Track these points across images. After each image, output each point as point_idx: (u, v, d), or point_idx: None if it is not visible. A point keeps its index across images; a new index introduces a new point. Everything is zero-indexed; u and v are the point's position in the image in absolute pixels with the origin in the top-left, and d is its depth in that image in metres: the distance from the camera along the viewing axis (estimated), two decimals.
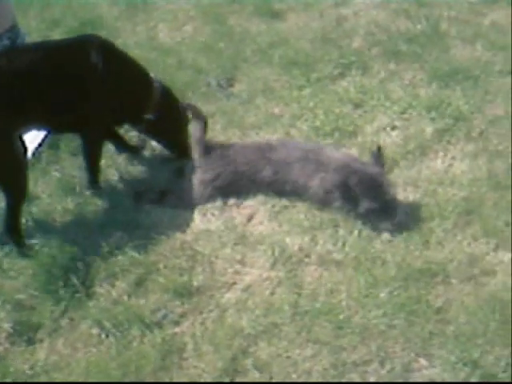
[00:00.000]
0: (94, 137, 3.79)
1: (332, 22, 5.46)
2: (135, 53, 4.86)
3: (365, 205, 3.52)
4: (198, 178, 3.79)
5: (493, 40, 5.03)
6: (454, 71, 4.69)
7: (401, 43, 5.05)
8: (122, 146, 4.10)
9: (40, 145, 4.08)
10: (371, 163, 3.68)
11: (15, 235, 3.53)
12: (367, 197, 3.52)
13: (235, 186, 3.76)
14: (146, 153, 4.17)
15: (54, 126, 3.72)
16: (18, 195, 3.49)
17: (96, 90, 3.55)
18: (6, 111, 3.27)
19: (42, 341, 3.14)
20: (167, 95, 3.92)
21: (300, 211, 3.66)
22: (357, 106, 4.45)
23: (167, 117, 3.91)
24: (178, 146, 4.04)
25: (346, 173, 3.57)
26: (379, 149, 3.71)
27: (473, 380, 2.87)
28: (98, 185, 3.88)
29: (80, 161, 3.91)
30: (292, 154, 3.74)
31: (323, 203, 3.65)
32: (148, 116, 3.82)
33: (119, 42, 5.05)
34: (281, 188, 3.72)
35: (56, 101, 3.47)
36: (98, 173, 3.87)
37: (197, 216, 3.71)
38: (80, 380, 2.95)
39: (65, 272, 3.34)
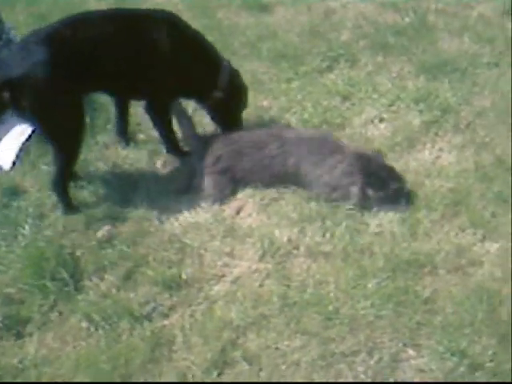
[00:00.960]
0: (161, 107, 3.93)
1: (320, 15, 5.48)
2: None
3: (392, 186, 3.61)
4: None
5: (480, 32, 5.06)
6: (441, 63, 4.71)
7: (388, 36, 5.07)
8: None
9: (28, 139, 4.07)
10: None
11: (64, 196, 3.69)
12: (390, 180, 3.63)
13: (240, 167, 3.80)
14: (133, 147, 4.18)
15: (120, 93, 3.94)
16: (73, 156, 3.66)
17: (165, 63, 3.69)
18: (75, 76, 3.40)
19: (31, 335, 3.14)
20: (234, 75, 4.03)
21: (288, 203, 3.67)
22: (345, 98, 4.47)
23: (233, 95, 4.01)
24: (235, 125, 4.08)
25: (365, 160, 3.65)
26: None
27: (461, 369, 2.88)
28: (180, 150, 4.09)
29: None
30: (301, 135, 3.82)
31: (336, 190, 3.69)
32: (216, 93, 3.93)
33: None
34: (289, 171, 3.75)
35: (124, 69, 3.61)
36: (174, 140, 4.07)
37: (185, 208, 3.71)
38: (70, 373, 2.95)
39: (54, 266, 3.32)
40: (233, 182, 3.78)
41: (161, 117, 3.97)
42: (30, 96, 3.33)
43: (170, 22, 3.74)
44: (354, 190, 3.63)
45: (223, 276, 3.36)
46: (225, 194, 3.76)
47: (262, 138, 3.80)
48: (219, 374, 2.93)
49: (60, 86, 3.35)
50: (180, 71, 3.73)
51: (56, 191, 3.68)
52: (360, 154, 3.68)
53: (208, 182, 3.78)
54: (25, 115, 3.47)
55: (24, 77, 3.30)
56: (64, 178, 3.67)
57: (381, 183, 3.60)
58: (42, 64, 3.31)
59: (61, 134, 3.54)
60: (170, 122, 3.99)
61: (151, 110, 3.93)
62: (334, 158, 3.66)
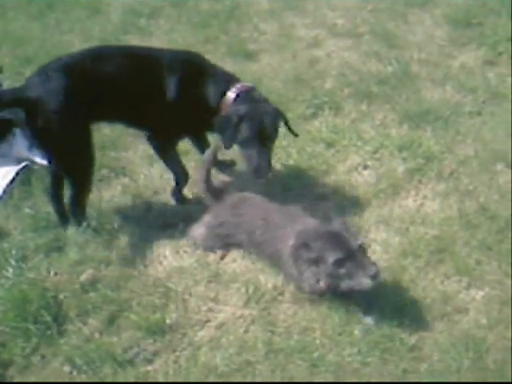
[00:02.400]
0: (162, 142, 3.98)
1: (304, 63, 5.53)
2: None
3: (332, 257, 3.09)
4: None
5: (462, 82, 5.13)
6: (424, 112, 4.76)
7: (372, 84, 5.13)
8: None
9: (12, 181, 4.05)
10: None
11: (81, 219, 3.77)
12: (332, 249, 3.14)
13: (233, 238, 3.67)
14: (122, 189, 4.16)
15: (128, 125, 4.01)
16: (83, 183, 3.74)
17: (174, 104, 3.74)
18: (87, 105, 3.54)
19: (12, 377, 3.09)
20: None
21: None
22: (329, 145, 4.49)
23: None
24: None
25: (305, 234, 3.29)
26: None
27: None
28: (180, 195, 4.11)
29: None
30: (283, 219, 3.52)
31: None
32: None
33: None
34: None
35: (134, 104, 3.71)
36: (177, 177, 4.08)
37: (169, 253, 3.69)
38: None
39: (36, 308, 3.28)
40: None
41: (162, 150, 3.99)
42: (41, 119, 3.44)
43: (188, 64, 3.83)
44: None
45: (208, 321, 3.33)
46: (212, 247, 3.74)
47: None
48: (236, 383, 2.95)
49: (72, 113, 3.49)
50: (189, 112, 3.79)
51: (73, 216, 3.78)
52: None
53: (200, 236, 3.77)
54: (36, 136, 3.57)
55: (38, 99, 3.43)
56: (77, 205, 3.75)
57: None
58: (57, 90, 3.45)
59: (70, 159, 3.62)
60: (173, 158, 4.02)
61: (154, 140, 3.96)
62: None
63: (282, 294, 3.44)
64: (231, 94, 3.79)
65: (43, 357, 3.17)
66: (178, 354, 3.16)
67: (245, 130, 3.70)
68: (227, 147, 3.76)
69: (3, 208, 3.88)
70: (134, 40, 5.76)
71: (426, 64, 5.38)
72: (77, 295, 3.41)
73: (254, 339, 3.20)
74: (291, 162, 4.31)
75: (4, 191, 4.00)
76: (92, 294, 3.41)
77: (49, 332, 3.23)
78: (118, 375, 3.04)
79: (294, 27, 6.17)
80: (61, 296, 3.39)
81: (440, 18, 6.11)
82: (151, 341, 3.22)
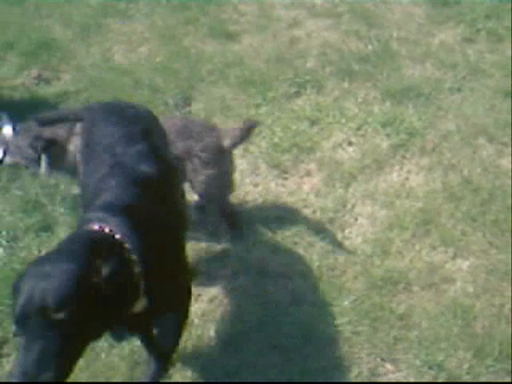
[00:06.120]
0: None
1: (285, 43, 5.54)
2: (91, 74, 4.93)
3: None
4: None
5: (442, 59, 5.17)
6: (406, 89, 4.80)
7: (353, 63, 5.15)
8: None
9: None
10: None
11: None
12: None
13: None
14: None
15: None
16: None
17: None
18: None
19: (8, 355, 3.12)
20: None
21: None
22: (313, 123, 4.52)
23: None
24: None
25: None
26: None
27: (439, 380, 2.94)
28: None
29: (40, 179, 3.90)
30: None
31: None
32: None
33: (74, 64, 5.14)
34: None
35: None
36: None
37: None
38: None
39: None
40: None
41: None
42: None
43: None
44: None
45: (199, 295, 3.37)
46: None
47: None
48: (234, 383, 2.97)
49: None
50: None
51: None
52: None
53: None
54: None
55: None
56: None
57: None
58: None
59: None
60: None
61: None
62: None
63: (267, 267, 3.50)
64: None
65: None
66: None
67: None
68: None
69: None
70: (114, 24, 5.75)
71: (406, 42, 5.41)
72: None
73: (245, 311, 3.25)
74: (276, 139, 4.34)
75: None
76: None
77: None
78: (114, 349, 3.07)
79: (273, 8, 6.17)
80: None
81: None
82: None
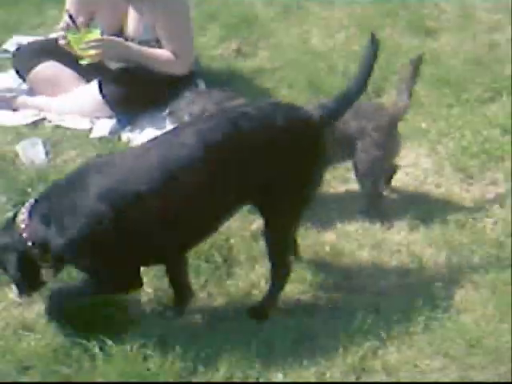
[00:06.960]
0: None
1: (484, 46, 5.42)
2: (287, 54, 5.03)
3: None
4: None
5: None
6: None
7: None
8: None
9: None
10: None
11: None
12: None
13: None
14: None
15: None
16: None
17: None
18: None
19: None
20: None
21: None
22: (505, 131, 4.37)
23: None
24: None
25: None
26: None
27: None
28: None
29: None
30: None
31: None
32: None
33: (272, 42, 5.26)
34: None
35: None
36: None
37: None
38: None
39: (208, 248, 3.42)
40: None
41: None
42: None
43: None
44: None
45: None
46: None
47: None
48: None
49: None
50: None
51: None
52: None
53: None
54: None
55: None
56: None
57: None
58: None
59: None
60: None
61: None
62: None
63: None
64: None
65: (210, 294, 3.31)
66: None
67: None
68: None
69: None
70: (315, 7, 5.80)
71: None
72: (246, 242, 3.54)
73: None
74: (465, 143, 4.25)
75: None
76: (261, 243, 3.43)
77: (218, 272, 3.37)
78: None
79: (474, 9, 6.04)
80: (232, 240, 3.52)
81: None
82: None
